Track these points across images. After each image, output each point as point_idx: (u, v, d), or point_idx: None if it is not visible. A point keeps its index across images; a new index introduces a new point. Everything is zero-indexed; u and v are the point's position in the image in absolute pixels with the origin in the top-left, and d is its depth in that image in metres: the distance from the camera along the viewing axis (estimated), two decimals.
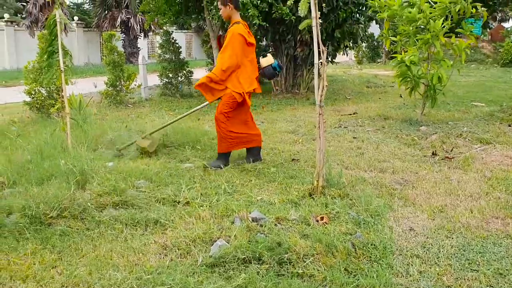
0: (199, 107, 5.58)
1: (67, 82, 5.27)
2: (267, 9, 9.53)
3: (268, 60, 5.18)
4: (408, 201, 3.97)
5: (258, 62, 5.20)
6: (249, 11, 9.26)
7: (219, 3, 4.97)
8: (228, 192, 4.12)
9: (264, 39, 13.32)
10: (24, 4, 22.37)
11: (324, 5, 3.88)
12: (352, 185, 4.31)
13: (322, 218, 3.45)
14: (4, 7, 27.34)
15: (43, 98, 7.75)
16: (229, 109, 4.91)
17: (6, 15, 23.42)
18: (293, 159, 5.33)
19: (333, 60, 12.56)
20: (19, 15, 25.70)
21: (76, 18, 25.55)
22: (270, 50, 14.01)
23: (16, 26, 23.02)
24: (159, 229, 3.37)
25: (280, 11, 9.50)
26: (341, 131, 6.90)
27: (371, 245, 3.07)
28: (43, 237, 3.24)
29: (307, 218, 3.45)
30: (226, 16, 4.98)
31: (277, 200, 3.89)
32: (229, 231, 3.21)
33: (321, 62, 3.83)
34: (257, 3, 9.36)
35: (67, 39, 22.67)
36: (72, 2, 28.11)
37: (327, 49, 10.79)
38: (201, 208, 3.71)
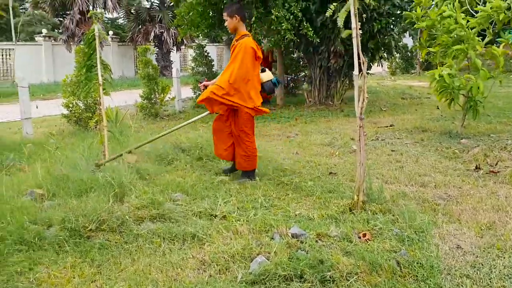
0: (198, 117, 5.46)
1: (107, 94, 5.34)
2: (297, 24, 9.51)
3: (268, 75, 5.10)
4: (453, 217, 3.80)
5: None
6: (283, 25, 9.26)
7: (225, 14, 4.89)
8: (265, 206, 4.05)
9: (296, 50, 13.30)
10: (61, 19, 23.04)
11: (364, 15, 3.79)
12: (393, 200, 4.16)
13: (364, 235, 3.33)
14: (43, 22, 28.32)
15: (80, 111, 7.90)
16: (248, 125, 4.86)
17: (44, 30, 24.23)
18: (330, 173, 5.22)
19: (368, 71, 12.41)
20: (56, 30, 26.51)
21: (111, 32, 26.19)
22: (303, 62, 14.02)
23: (53, 41, 23.76)
24: (197, 244, 3.32)
25: (306, 31, 9.47)
26: (378, 144, 6.75)
27: (417, 263, 2.94)
28: (82, 250, 3.24)
29: (349, 234, 3.33)
30: (233, 27, 4.90)
31: (316, 215, 3.79)
32: (269, 247, 3.13)
33: (361, 74, 3.74)
34: (289, 17, 9.37)
35: (102, 53, 23.19)
36: (107, 17, 28.82)
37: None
38: (238, 222, 3.64)
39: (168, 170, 5.09)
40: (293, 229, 3.37)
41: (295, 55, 14.17)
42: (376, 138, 7.20)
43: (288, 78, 14.22)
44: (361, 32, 3.82)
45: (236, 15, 4.83)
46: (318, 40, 9.45)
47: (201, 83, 5.21)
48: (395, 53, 13.02)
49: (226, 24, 4.94)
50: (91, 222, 3.52)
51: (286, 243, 3.16)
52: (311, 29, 9.44)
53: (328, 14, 4.04)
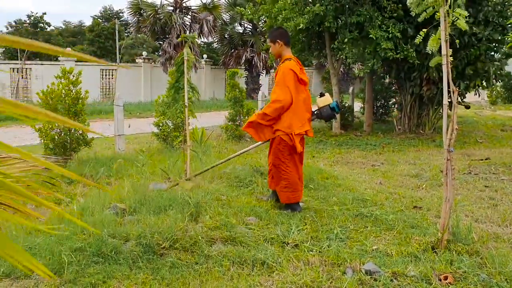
0: (252, 146, 5.19)
1: (193, 115, 5.51)
2: (392, 47, 9.25)
3: (325, 100, 4.82)
4: None
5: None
6: (382, 44, 9.07)
7: (268, 40, 4.79)
8: (341, 238, 3.87)
9: (387, 76, 12.92)
10: (161, 43, 24.51)
11: (457, 41, 3.54)
12: (482, 242, 3.78)
13: (446, 278, 3.04)
14: (144, 45, 30.36)
15: (169, 130, 8.24)
16: (285, 153, 4.58)
17: (145, 53, 25.92)
18: (415, 207, 4.90)
19: (463, 100, 11.68)
20: (156, 53, 28.26)
21: (205, 56, 27.37)
22: (394, 88, 13.57)
23: (152, 63, 25.33)
24: (266, 271, 3.24)
25: (405, 52, 9.15)
26: (471, 178, 6.25)
27: None
28: (154, 268, 3.29)
29: (429, 275, 3.06)
30: (276, 53, 4.76)
31: (395, 251, 3.54)
32: (339, 282, 2.97)
33: (450, 103, 3.48)
34: (389, 36, 9.15)
35: (196, 76, 24.31)
36: (202, 41, 30.21)
37: (459, 88, 10.07)
38: (311, 253, 3.51)
39: (244, 192, 5.09)
40: (367, 265, 3.18)
41: (386, 80, 13.77)
42: (469, 172, 6.67)
43: (378, 105, 13.84)
44: (451, 59, 3.58)
45: (279, 40, 4.69)
46: (417, 61, 9.06)
47: None
48: (495, 81, 12.14)
49: (270, 50, 4.84)
50: (165, 240, 3.58)
51: (358, 279, 2.98)
52: (411, 50, 9.09)
53: (417, 41, 3.84)
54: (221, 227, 3.87)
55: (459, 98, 11.03)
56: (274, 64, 24.38)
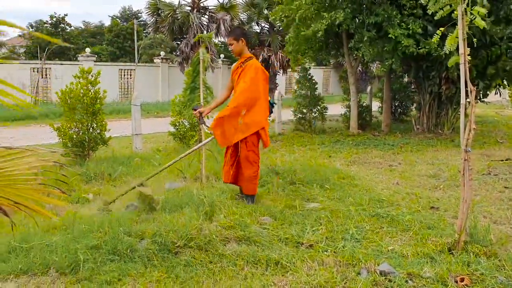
0: (204, 142, 5.17)
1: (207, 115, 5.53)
2: (414, 43, 9.15)
3: None
4: None
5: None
6: (402, 42, 8.98)
7: (231, 38, 4.91)
8: (356, 239, 3.84)
9: (406, 75, 12.76)
10: (179, 43, 24.62)
11: (475, 40, 3.46)
12: (501, 243, 3.71)
13: (462, 279, 2.99)
14: (162, 45, 30.56)
15: (185, 129, 8.28)
16: (256, 147, 4.78)
17: (162, 53, 26.10)
18: (432, 207, 4.84)
19: (483, 99, 11.49)
20: (174, 53, 28.41)
21: (222, 56, 27.41)
22: (412, 87, 13.41)
23: (170, 63, 25.48)
24: (280, 271, 3.23)
25: (428, 46, 9.03)
26: (490, 179, 6.14)
27: None
28: (168, 266, 3.30)
29: (445, 277, 3.02)
30: (239, 50, 4.90)
31: (411, 252, 3.50)
32: (353, 282, 2.95)
33: (468, 102, 3.43)
34: (409, 33, 9.06)
35: (213, 75, 24.38)
36: (220, 41, 30.28)
37: (477, 87, 9.90)
38: (325, 253, 3.49)
39: (259, 192, 5.08)
40: (382, 265, 3.15)
41: (405, 79, 13.62)
42: (488, 173, 6.56)
43: (396, 104, 13.70)
44: (471, 59, 3.52)
45: (243, 38, 4.90)
46: (441, 54, 8.90)
47: (195, 110, 4.96)
48: None
49: (231, 48, 4.95)
50: (180, 238, 3.60)
51: (372, 280, 2.95)
52: (432, 42, 8.97)
53: (434, 40, 3.79)
54: (235, 227, 3.87)
55: (479, 97, 10.86)
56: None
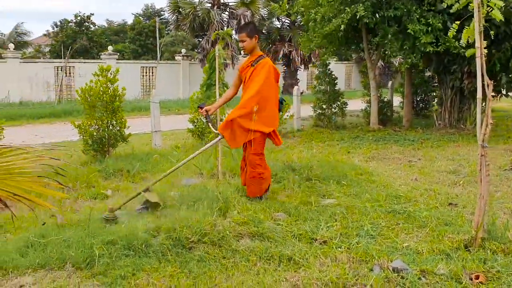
0: (211, 142, 4.74)
1: (224, 112, 5.57)
2: (434, 40, 8.99)
3: None
4: None
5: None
6: (421, 39, 8.84)
7: (244, 35, 4.66)
8: (371, 235, 3.81)
9: (427, 70, 12.55)
10: (200, 40, 24.74)
11: (492, 32, 3.37)
12: None
13: (477, 277, 2.94)
14: (184, 43, 30.77)
15: (203, 126, 8.32)
16: (263, 149, 4.65)
17: (183, 50, 26.27)
18: (450, 203, 4.76)
19: (508, 93, 11.21)
20: (195, 50, 28.58)
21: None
22: (434, 82, 13.19)
23: (191, 60, 25.63)
24: (292, 267, 3.24)
25: (446, 44, 8.87)
26: None
27: None
28: (182, 261, 3.34)
29: (459, 274, 2.98)
30: (251, 48, 4.70)
31: (426, 249, 3.46)
32: (365, 279, 2.93)
33: (493, 96, 3.36)
34: (428, 30, 8.92)
35: (233, 72, 24.43)
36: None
37: (501, 81, 9.67)
38: (339, 249, 3.48)
39: (274, 188, 5.08)
40: (395, 262, 3.12)
41: (426, 74, 13.40)
42: (510, 168, 6.41)
43: (417, 99, 13.50)
44: (495, 51, 3.44)
45: (257, 35, 4.71)
46: (461, 51, 8.70)
47: (201, 108, 4.79)
48: None
49: (243, 44, 4.71)
50: (194, 234, 3.64)
51: (385, 276, 2.93)
52: (453, 40, 8.79)
53: (450, 34, 3.72)
54: (249, 223, 3.89)
55: (502, 91, 10.61)
56: (312, 58, 24.30)
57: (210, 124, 4.88)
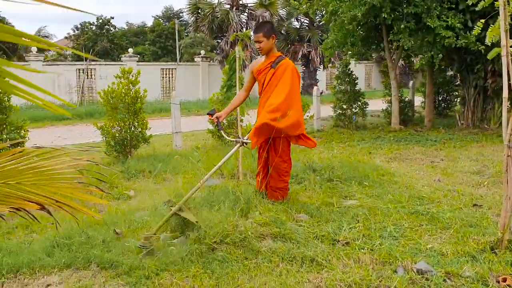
0: (232, 151, 4.26)
1: (244, 112, 5.57)
2: (453, 35, 8.88)
3: None
4: None
5: None
6: (441, 33, 8.76)
7: (261, 35, 4.39)
8: (394, 236, 3.78)
9: (450, 69, 12.38)
10: (219, 41, 24.87)
11: None
12: None
13: (504, 279, 2.89)
14: (203, 44, 30.93)
15: (223, 127, 8.36)
16: (289, 155, 4.58)
17: (203, 52, 26.42)
18: (474, 205, 4.68)
19: None
20: (214, 52, 28.71)
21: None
22: (456, 81, 13.00)
23: (210, 61, 25.76)
24: (315, 268, 3.23)
25: (466, 41, 8.75)
26: None
27: None
28: (205, 261, 3.36)
29: (485, 276, 2.93)
30: (268, 48, 4.46)
31: (450, 251, 3.41)
32: (389, 280, 2.91)
33: (510, 96, 3.30)
34: (447, 25, 8.82)
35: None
36: None
37: None
38: (362, 251, 3.45)
39: (296, 189, 5.07)
40: (419, 264, 3.08)
41: (448, 73, 13.22)
42: None
43: (439, 99, 13.32)
44: (511, 50, 3.38)
45: (274, 35, 4.48)
46: (482, 48, 8.55)
47: (211, 115, 4.49)
48: None
49: (260, 45, 4.46)
50: (217, 234, 3.65)
51: (409, 278, 2.90)
52: (472, 37, 8.64)
53: (475, 32, 3.66)
54: (270, 224, 3.89)
55: None
56: (331, 59, 24.19)
57: (222, 131, 4.61)
